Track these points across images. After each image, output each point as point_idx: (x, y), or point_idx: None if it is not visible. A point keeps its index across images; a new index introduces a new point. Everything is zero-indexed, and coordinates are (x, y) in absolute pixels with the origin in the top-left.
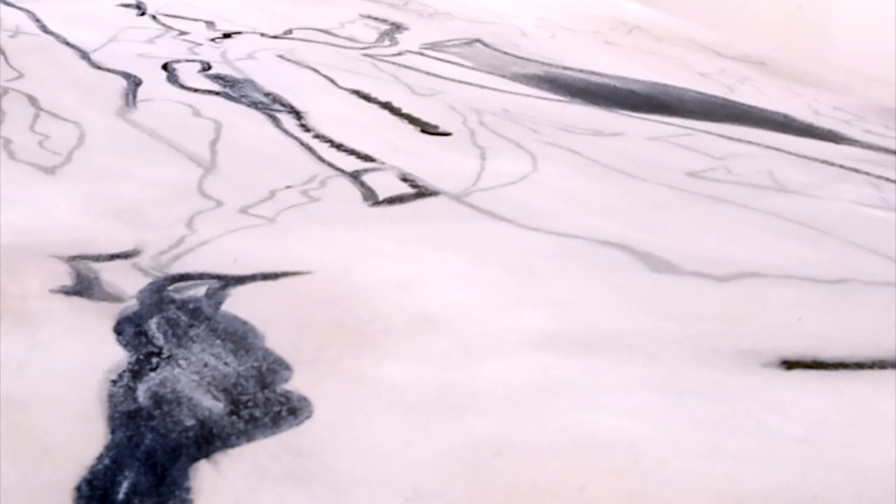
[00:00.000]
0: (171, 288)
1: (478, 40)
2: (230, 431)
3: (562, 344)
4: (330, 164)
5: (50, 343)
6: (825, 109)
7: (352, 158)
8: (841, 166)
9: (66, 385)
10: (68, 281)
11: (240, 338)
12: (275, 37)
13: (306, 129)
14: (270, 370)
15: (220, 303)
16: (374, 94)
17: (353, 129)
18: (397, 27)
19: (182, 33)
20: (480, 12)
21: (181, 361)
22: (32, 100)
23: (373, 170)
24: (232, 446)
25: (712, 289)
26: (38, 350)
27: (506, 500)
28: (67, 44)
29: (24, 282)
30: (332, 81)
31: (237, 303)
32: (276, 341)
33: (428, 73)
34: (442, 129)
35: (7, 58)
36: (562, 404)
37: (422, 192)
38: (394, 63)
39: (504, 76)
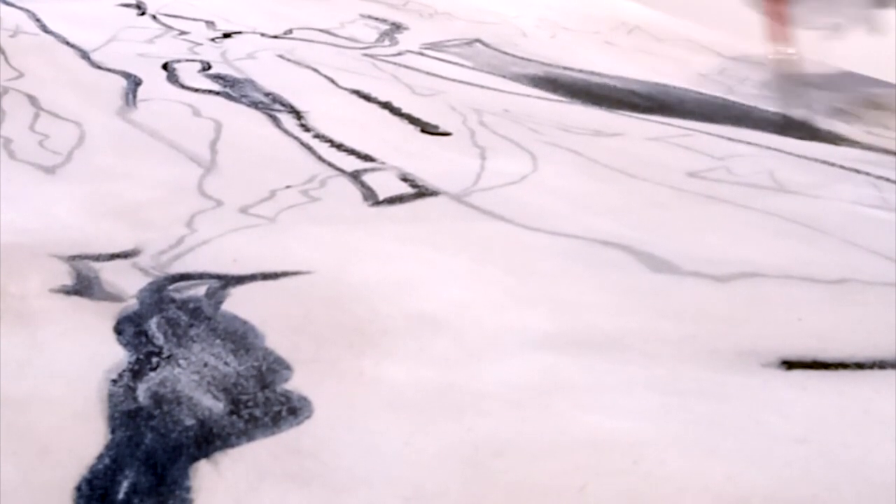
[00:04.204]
0: (171, 287)
1: (478, 40)
2: (230, 431)
3: (562, 344)
4: (330, 164)
5: (50, 343)
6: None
7: (352, 158)
8: (841, 167)
9: (66, 385)
10: (68, 280)
11: (240, 337)
12: (275, 37)
13: (306, 128)
14: (270, 370)
15: (220, 302)
16: (374, 94)
17: (353, 129)
18: (397, 27)
19: (182, 33)
20: (480, 12)
21: (181, 361)
22: (32, 99)
23: (373, 170)
24: (232, 446)
25: (712, 289)
26: (38, 350)
27: (506, 500)
28: (67, 44)
29: (24, 281)
30: (333, 81)
31: (237, 302)
32: (276, 341)
33: (428, 73)
34: (442, 129)
35: (7, 57)
36: (562, 404)
37: (422, 192)
38: (394, 63)
39: (504, 76)
